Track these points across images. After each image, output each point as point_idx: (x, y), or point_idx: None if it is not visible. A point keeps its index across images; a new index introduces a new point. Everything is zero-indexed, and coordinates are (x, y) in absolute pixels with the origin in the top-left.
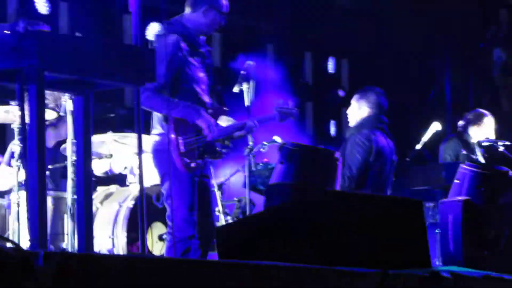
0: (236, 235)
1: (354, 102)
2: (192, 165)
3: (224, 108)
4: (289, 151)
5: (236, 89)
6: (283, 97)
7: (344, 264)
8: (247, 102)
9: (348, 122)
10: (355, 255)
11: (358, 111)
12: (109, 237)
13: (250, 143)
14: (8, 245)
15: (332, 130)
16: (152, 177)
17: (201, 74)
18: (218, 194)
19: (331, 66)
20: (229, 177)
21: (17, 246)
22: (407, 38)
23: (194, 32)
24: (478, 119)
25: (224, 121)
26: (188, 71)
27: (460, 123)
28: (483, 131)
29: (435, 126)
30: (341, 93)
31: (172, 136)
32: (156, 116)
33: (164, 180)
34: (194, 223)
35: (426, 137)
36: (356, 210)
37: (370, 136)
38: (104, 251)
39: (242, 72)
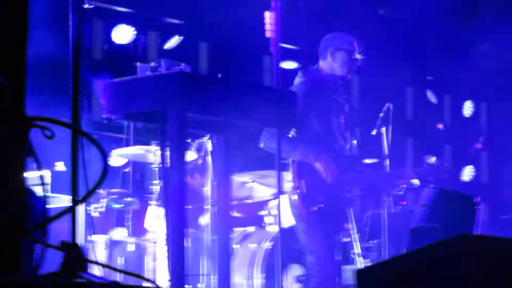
0: (377, 278)
1: None
2: (313, 208)
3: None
4: (433, 195)
5: (374, 132)
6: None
7: None
8: (384, 145)
9: None
10: None
11: None
12: (246, 278)
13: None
14: (147, 284)
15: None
16: (290, 218)
17: (336, 120)
18: (355, 236)
19: (468, 109)
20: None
21: (157, 286)
22: None
23: (328, 78)
24: None
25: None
26: (318, 117)
27: None
28: None
29: None
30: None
31: (296, 178)
32: None
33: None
34: (335, 262)
35: None
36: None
37: None
38: None
39: (380, 114)
